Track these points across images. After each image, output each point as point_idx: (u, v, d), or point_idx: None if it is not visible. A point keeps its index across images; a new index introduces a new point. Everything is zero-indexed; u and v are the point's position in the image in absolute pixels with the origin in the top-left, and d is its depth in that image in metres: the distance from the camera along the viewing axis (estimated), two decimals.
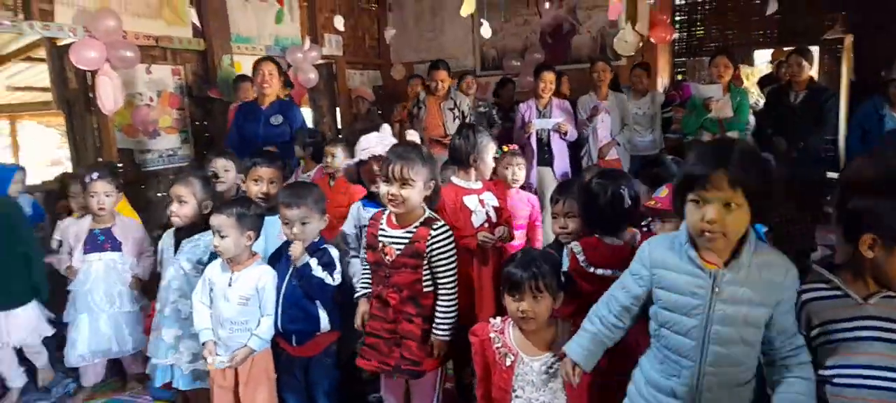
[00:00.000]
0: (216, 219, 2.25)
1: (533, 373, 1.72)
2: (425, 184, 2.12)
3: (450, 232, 2.15)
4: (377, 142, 2.62)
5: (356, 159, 2.71)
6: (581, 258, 1.96)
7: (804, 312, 1.51)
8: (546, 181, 4.69)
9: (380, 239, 2.18)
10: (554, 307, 1.73)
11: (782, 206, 3.26)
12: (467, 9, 4.17)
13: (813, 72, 5.05)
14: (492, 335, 1.79)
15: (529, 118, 4.85)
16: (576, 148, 5.02)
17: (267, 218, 2.48)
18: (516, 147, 3.14)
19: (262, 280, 2.26)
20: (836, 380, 1.45)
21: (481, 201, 2.49)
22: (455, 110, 4.79)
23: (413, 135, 4.70)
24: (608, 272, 1.89)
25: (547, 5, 6.22)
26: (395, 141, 2.63)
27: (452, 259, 2.14)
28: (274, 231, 2.55)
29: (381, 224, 2.20)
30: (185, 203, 2.54)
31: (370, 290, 2.30)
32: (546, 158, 4.87)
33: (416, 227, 2.12)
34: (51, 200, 3.81)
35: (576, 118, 4.92)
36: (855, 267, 1.47)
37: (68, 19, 4.19)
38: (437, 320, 2.14)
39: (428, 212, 2.19)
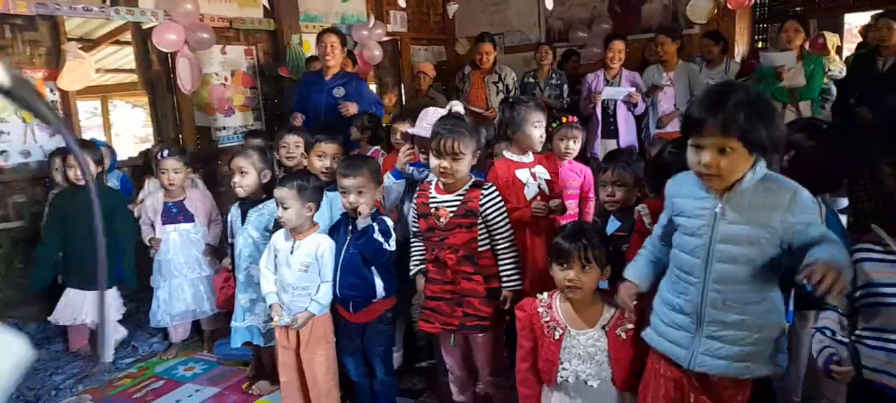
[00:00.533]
0: (279, 192, 2.38)
1: (580, 346, 1.75)
2: (473, 155, 2.19)
3: (497, 191, 2.23)
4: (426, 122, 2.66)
5: (418, 132, 2.72)
6: (647, 220, 1.98)
7: (855, 271, 1.51)
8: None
9: (431, 205, 2.25)
10: (600, 278, 1.74)
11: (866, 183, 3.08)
12: None
13: None
14: (540, 309, 1.82)
15: (596, 88, 4.76)
16: (641, 120, 4.90)
17: (329, 192, 2.60)
18: (574, 119, 3.10)
19: (321, 248, 2.38)
20: (868, 341, 1.41)
21: (533, 174, 2.50)
22: (499, 84, 4.76)
23: (458, 106, 4.73)
24: None
25: None
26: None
27: (506, 215, 2.21)
28: (337, 204, 2.68)
29: (430, 192, 2.28)
30: (245, 174, 2.70)
31: (424, 266, 2.37)
32: (611, 130, 4.78)
33: (466, 190, 2.21)
34: (136, 175, 4.12)
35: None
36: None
37: (151, 4, 4.46)
38: (506, 273, 2.21)
39: (474, 177, 2.26)
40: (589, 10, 6.70)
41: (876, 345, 1.42)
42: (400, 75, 6.93)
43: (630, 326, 1.72)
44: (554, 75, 5.35)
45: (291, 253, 2.39)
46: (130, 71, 6.56)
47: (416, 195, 2.38)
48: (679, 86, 4.78)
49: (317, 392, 2.44)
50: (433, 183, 2.30)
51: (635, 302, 1.71)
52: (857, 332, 1.44)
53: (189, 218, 3.29)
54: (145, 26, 4.55)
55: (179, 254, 3.24)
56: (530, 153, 2.60)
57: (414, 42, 7.06)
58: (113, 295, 3.27)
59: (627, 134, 4.74)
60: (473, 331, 2.25)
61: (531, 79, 5.25)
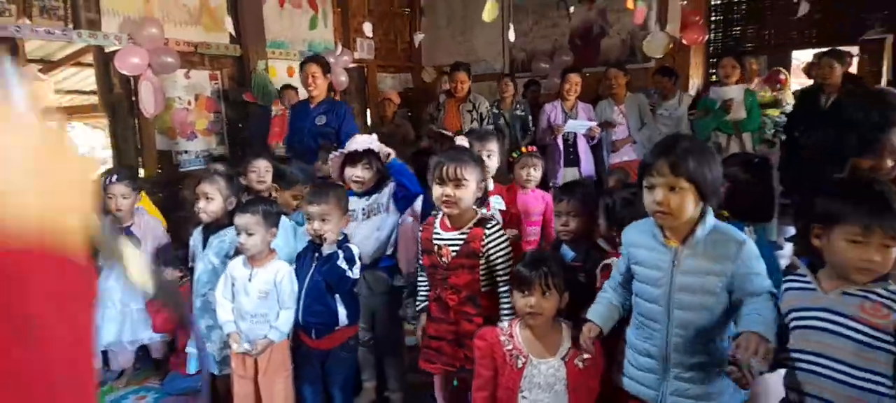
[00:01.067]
0: (242, 219, 2.38)
1: (541, 376, 1.79)
2: (477, 185, 2.15)
3: (503, 231, 2.18)
4: (365, 142, 2.70)
5: (343, 151, 2.75)
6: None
7: (782, 299, 1.63)
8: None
9: (435, 242, 2.20)
10: (560, 306, 1.80)
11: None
12: (490, 15, 4.24)
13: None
14: (502, 338, 1.86)
15: (555, 119, 4.90)
16: (597, 150, 5.06)
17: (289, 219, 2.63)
18: (533, 149, 3.21)
19: (280, 274, 2.39)
20: (796, 364, 1.53)
21: (488, 204, 2.56)
22: (473, 112, 4.87)
23: (462, 141, 4.81)
24: None
25: (571, 9, 6.25)
26: (372, 141, 2.71)
27: (510, 255, 2.13)
28: (299, 231, 2.71)
29: (435, 227, 2.22)
30: (211, 200, 2.70)
31: (427, 302, 2.33)
32: (572, 158, 4.92)
33: (469, 228, 2.15)
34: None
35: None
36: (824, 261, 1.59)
37: (114, 28, 4.44)
38: (504, 313, 2.11)
39: (480, 213, 2.21)
40: (551, 43, 6.91)
41: (800, 367, 1.52)
42: (366, 102, 7.00)
43: (587, 356, 1.78)
44: (518, 106, 5.49)
45: (249, 280, 2.39)
46: (91, 93, 6.46)
47: (421, 229, 2.35)
48: (631, 117, 4.97)
49: None
50: (438, 217, 2.25)
51: (594, 343, 1.79)
52: (791, 354, 1.55)
53: (136, 244, 3.23)
54: (108, 49, 4.52)
55: (118, 281, 3.12)
56: (488, 182, 2.68)
57: (380, 69, 7.15)
58: None
59: (587, 163, 4.88)
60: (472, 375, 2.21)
61: (495, 110, 5.37)
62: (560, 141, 4.90)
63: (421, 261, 2.34)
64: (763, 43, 7.26)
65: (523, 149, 3.20)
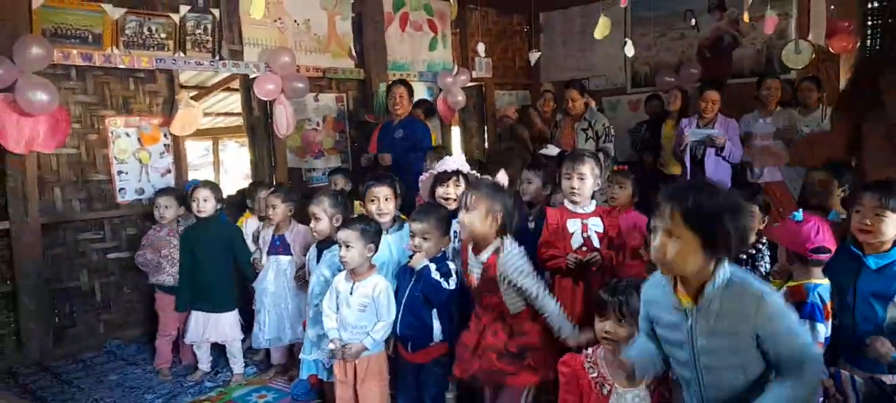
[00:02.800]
0: (343, 233, 2.56)
1: None
2: (488, 212, 2.26)
3: (516, 251, 2.27)
4: (454, 163, 2.85)
5: (431, 172, 2.91)
6: None
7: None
8: None
9: (469, 263, 2.38)
10: (637, 333, 1.75)
11: None
12: (601, 32, 4.15)
13: None
14: (587, 365, 1.85)
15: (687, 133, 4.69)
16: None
17: (389, 234, 2.77)
18: (624, 167, 3.14)
19: (378, 288, 2.52)
20: None
21: (585, 225, 2.53)
22: (589, 130, 4.78)
23: (552, 150, 4.78)
24: None
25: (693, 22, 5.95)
26: (460, 162, 2.86)
27: (527, 269, 2.24)
28: (400, 245, 2.84)
29: (470, 251, 2.40)
30: (318, 219, 2.92)
31: None
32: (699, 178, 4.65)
33: (488, 255, 2.30)
34: (231, 211, 4.49)
35: None
36: None
37: (254, 57, 4.93)
38: (554, 326, 2.25)
39: (499, 242, 2.31)
40: (677, 55, 6.58)
41: None
42: (484, 119, 7.11)
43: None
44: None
45: (350, 293, 2.54)
46: (238, 114, 7.20)
47: (461, 249, 2.53)
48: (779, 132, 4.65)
49: None
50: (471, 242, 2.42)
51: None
52: None
53: (287, 250, 3.57)
54: (250, 77, 5.03)
55: (271, 284, 3.50)
56: (591, 204, 2.64)
57: (498, 86, 7.23)
58: (234, 317, 3.61)
59: (717, 180, 4.58)
60: (484, 383, 2.35)
61: (610, 133, 5.17)
62: (687, 157, 4.67)
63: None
64: None
65: (614, 169, 3.16)
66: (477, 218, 2.26)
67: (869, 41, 6.22)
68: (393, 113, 4.70)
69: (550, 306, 2.25)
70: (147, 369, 3.79)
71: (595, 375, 1.83)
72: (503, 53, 7.30)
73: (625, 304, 1.76)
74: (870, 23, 6.51)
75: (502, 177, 2.69)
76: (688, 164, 4.71)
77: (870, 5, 6.63)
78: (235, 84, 6.32)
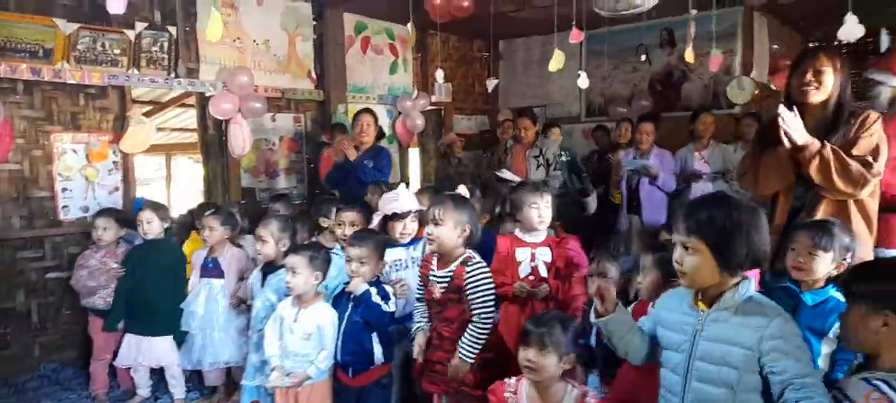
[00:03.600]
0: (291, 259, 2.57)
1: None
2: (456, 225, 2.32)
3: (484, 268, 2.34)
4: (396, 200, 2.90)
5: (380, 215, 3.00)
6: None
7: None
8: (634, 229, 4.64)
9: (430, 278, 2.42)
10: (561, 366, 1.80)
11: None
12: (555, 65, 4.27)
13: None
14: (507, 394, 1.89)
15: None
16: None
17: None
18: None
19: (322, 317, 2.54)
20: None
21: (533, 255, 2.60)
22: (539, 158, 4.89)
23: (510, 175, 4.86)
24: None
25: (643, 58, 6.19)
26: (413, 201, 2.92)
27: (488, 291, 2.30)
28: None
29: (431, 265, 2.45)
30: (265, 242, 2.91)
31: (424, 324, 2.53)
32: (634, 205, 4.82)
33: (455, 267, 2.35)
34: (183, 229, 4.42)
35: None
36: None
37: (211, 76, 4.89)
38: (462, 342, 2.30)
39: (467, 253, 2.38)
40: (630, 87, 6.81)
41: None
42: None
43: None
44: (563, 153, 5.29)
45: (295, 320, 2.55)
46: (193, 130, 7.11)
47: (421, 265, 2.57)
48: (714, 165, 4.81)
49: None
50: (435, 257, 2.45)
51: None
52: None
53: (220, 274, 3.52)
54: (207, 95, 4.98)
55: (201, 307, 3.44)
56: (541, 233, 2.72)
57: (458, 111, 7.33)
58: (170, 341, 3.52)
59: (651, 211, 4.73)
60: (462, 398, 2.35)
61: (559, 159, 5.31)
62: (624, 187, 4.82)
63: (421, 291, 2.54)
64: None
65: None
66: (446, 232, 2.32)
67: None
68: (359, 141, 4.60)
69: (478, 332, 2.28)
70: (82, 394, 3.69)
71: None
72: (463, 79, 7.42)
73: (548, 335, 1.80)
74: None
75: (463, 190, 2.74)
76: (624, 192, 4.85)
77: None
78: (191, 100, 6.25)
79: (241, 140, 4.83)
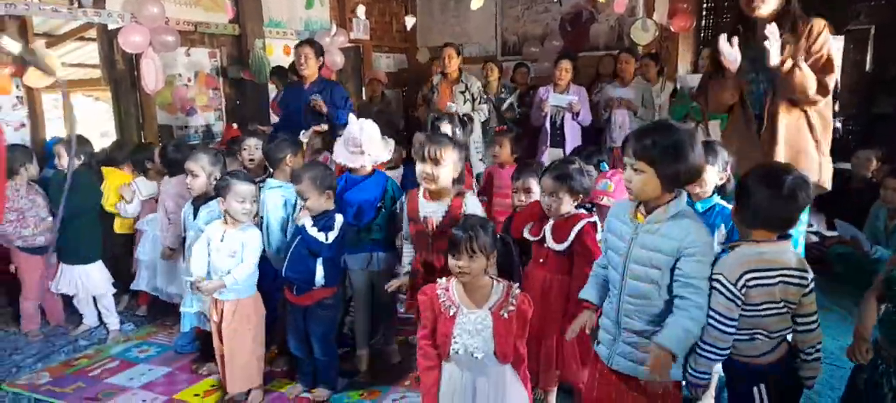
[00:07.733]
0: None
1: (470, 324, 2.03)
2: (454, 165, 2.47)
3: (477, 201, 2.51)
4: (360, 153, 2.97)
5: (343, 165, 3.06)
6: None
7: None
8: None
9: (420, 212, 2.54)
10: (487, 266, 2.04)
11: None
12: (477, 3, 4.43)
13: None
14: (439, 291, 2.10)
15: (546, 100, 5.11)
16: (596, 132, 5.29)
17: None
18: (504, 128, 3.50)
19: (247, 237, 2.70)
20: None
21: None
22: (466, 93, 5.08)
23: (446, 128, 5.01)
24: None
25: None
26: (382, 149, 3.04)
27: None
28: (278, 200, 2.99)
29: (419, 200, 2.56)
30: (196, 176, 2.97)
31: (410, 268, 2.66)
32: (558, 139, 5.12)
33: (451, 199, 2.50)
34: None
35: (592, 104, 5.20)
36: None
37: (117, 7, 4.66)
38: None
39: (458, 187, 2.54)
40: (542, 27, 7.10)
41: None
42: (361, 82, 7.21)
43: (512, 308, 2.01)
44: (504, 89, 5.69)
45: (221, 240, 2.68)
46: (94, 66, 6.68)
47: (405, 201, 2.67)
48: (636, 100, 5.20)
49: (232, 365, 2.73)
50: (421, 191, 2.57)
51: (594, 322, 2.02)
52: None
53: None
54: (111, 27, 4.74)
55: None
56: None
57: (376, 49, 7.35)
58: (100, 267, 3.57)
59: (573, 144, 5.08)
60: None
61: (484, 95, 5.58)
62: (548, 123, 5.11)
63: (407, 229, 2.65)
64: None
65: (496, 129, 3.50)
66: (446, 171, 2.45)
67: (703, 22, 7.12)
68: (301, 74, 4.43)
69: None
70: (10, 332, 3.61)
71: (444, 299, 2.08)
72: (380, 17, 7.41)
73: (474, 239, 1.97)
74: (704, 5, 7.42)
75: (447, 128, 2.86)
76: (547, 128, 5.16)
77: None
78: (90, 34, 5.88)
79: (153, 75, 4.68)
